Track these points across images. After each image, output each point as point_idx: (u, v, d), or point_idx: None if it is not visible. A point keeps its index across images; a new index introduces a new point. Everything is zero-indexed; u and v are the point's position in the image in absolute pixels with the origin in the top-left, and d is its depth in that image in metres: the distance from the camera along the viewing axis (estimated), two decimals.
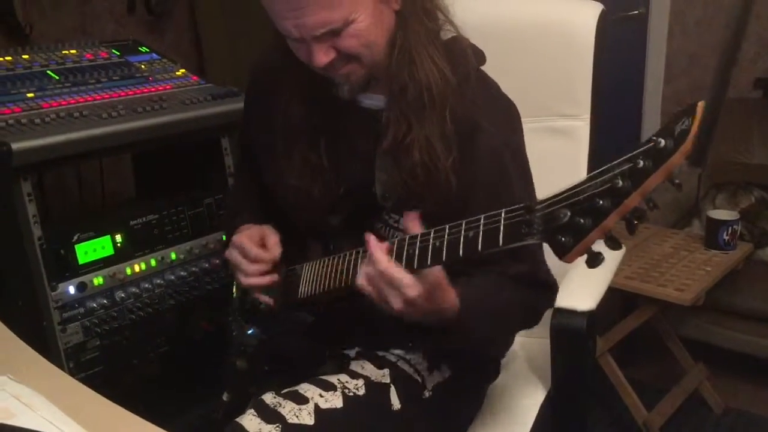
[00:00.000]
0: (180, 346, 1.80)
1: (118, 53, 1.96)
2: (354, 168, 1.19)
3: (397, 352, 1.21)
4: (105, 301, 1.62)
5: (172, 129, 1.70)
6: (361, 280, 0.97)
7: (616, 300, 2.27)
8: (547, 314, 1.24)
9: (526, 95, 1.21)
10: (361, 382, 1.12)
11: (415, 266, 0.94)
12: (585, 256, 0.77)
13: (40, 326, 1.52)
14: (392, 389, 1.14)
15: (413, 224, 0.96)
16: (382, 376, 1.15)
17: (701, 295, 2.00)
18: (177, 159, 1.91)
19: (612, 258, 1.46)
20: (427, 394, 1.18)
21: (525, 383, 1.39)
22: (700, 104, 0.70)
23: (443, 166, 1.09)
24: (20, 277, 1.52)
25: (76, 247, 1.57)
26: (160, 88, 1.85)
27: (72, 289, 1.56)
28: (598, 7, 1.44)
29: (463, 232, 0.89)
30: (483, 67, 1.19)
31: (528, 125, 1.20)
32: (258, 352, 1.30)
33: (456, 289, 0.99)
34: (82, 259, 1.58)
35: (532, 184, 1.17)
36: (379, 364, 1.17)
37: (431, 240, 0.93)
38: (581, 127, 1.46)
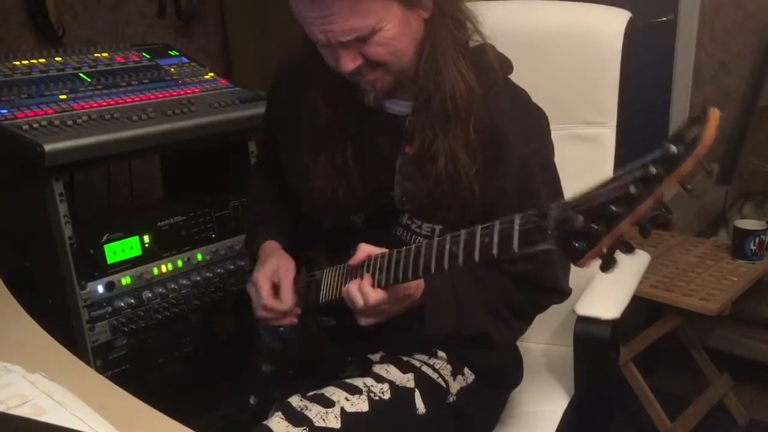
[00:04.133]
0: (205, 347, 1.82)
1: (148, 56, 1.99)
2: (376, 171, 1.20)
3: (421, 356, 1.21)
4: (132, 301, 1.64)
5: (200, 132, 1.72)
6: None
7: (641, 309, 2.25)
8: (571, 322, 1.24)
9: (552, 103, 1.21)
10: (386, 386, 1.13)
11: (433, 271, 0.96)
12: (599, 261, 0.77)
13: (69, 324, 1.55)
14: (417, 394, 1.14)
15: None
16: (407, 380, 1.15)
17: (727, 306, 1.98)
18: (204, 161, 1.93)
19: (637, 266, 1.46)
20: (451, 398, 1.19)
21: (548, 390, 1.39)
22: (713, 110, 0.70)
23: (467, 175, 1.09)
24: (51, 276, 1.55)
25: (105, 247, 1.60)
26: (189, 91, 1.88)
27: (100, 289, 1.59)
28: (626, 15, 1.44)
29: (478, 237, 0.89)
30: (510, 75, 1.19)
31: (554, 132, 1.20)
32: (283, 355, 1.31)
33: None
34: (110, 259, 1.61)
35: (561, 194, 1.16)
36: (404, 368, 1.17)
37: (448, 245, 0.93)
38: (607, 135, 1.46)
